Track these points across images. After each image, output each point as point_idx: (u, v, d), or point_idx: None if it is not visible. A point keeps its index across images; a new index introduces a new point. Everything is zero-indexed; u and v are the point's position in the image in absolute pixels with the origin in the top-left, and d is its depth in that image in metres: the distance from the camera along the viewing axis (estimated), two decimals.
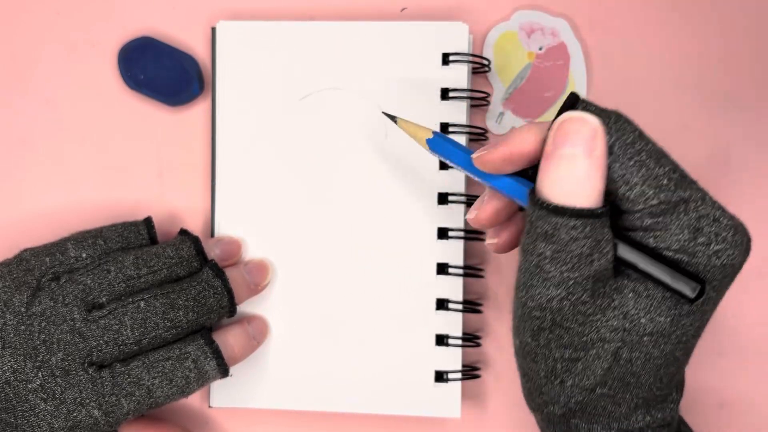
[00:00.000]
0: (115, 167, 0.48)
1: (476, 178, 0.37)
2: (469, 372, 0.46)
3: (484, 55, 0.47)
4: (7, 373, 0.38)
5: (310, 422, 0.47)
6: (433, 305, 0.45)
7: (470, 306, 0.46)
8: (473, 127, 0.45)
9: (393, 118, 0.41)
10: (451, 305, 0.45)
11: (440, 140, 0.38)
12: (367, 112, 0.46)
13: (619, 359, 0.33)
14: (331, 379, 0.46)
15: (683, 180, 0.33)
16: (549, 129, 0.33)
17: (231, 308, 0.43)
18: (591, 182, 0.32)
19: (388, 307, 0.45)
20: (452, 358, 0.45)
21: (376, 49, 0.45)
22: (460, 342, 0.45)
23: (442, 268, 0.45)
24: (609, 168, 0.32)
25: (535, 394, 0.36)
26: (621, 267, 0.34)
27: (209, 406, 0.46)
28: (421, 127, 0.39)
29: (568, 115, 0.32)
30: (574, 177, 0.32)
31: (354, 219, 0.46)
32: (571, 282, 0.32)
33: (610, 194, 0.33)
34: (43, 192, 0.48)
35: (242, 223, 0.46)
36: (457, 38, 0.45)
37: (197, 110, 0.48)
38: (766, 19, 0.47)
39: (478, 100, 0.46)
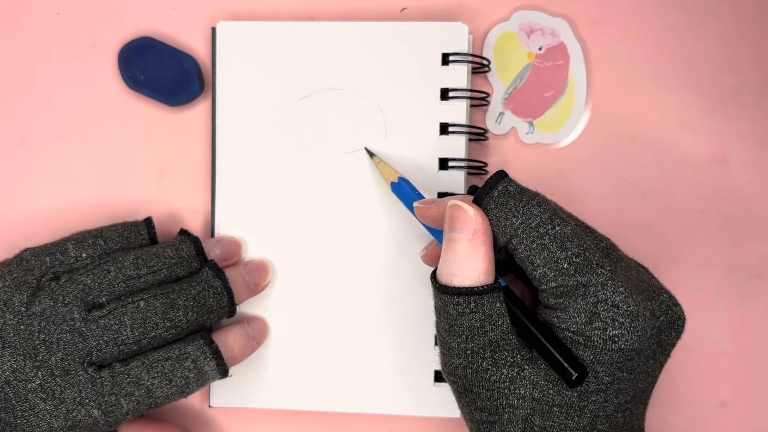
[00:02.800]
0: (115, 167, 0.48)
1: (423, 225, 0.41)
2: None
3: (484, 55, 0.47)
4: (7, 373, 0.38)
5: (310, 422, 0.47)
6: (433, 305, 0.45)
7: None
8: (473, 127, 0.45)
9: (371, 154, 0.45)
10: None
11: (402, 186, 0.42)
12: (367, 112, 0.46)
13: (532, 426, 0.35)
14: (331, 380, 0.46)
15: (585, 265, 0.34)
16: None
17: (231, 308, 0.43)
18: (472, 263, 0.35)
19: (387, 307, 0.45)
20: None
21: (376, 49, 0.45)
22: None
23: None
24: (515, 249, 0.35)
25: None
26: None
27: (209, 406, 0.46)
28: (393, 171, 0.43)
29: (452, 202, 0.36)
30: (457, 258, 0.35)
31: (354, 219, 0.46)
32: (468, 352, 0.35)
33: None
34: (44, 192, 0.48)
35: (242, 223, 0.46)
36: (457, 38, 0.45)
37: (197, 110, 0.48)
38: (766, 18, 0.47)
39: (478, 100, 0.46)
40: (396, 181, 0.42)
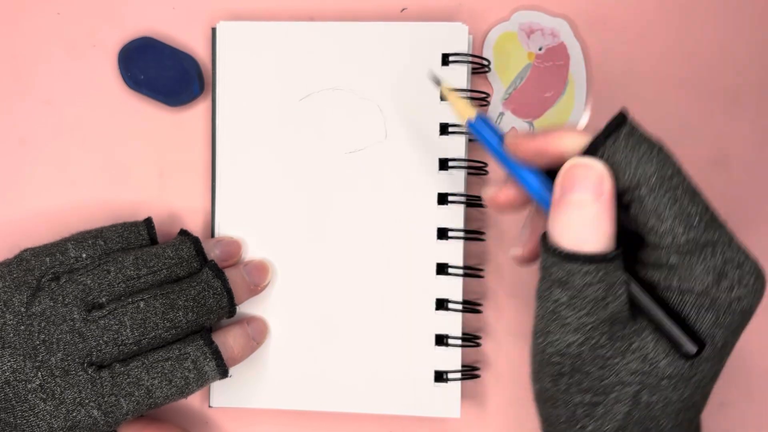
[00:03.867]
0: (116, 167, 0.48)
1: (505, 169, 0.37)
2: (469, 372, 0.46)
3: (484, 55, 0.47)
4: (7, 373, 0.38)
5: (310, 422, 0.47)
6: (433, 305, 0.45)
7: (470, 306, 0.46)
8: None
9: (438, 83, 0.41)
10: (450, 305, 0.45)
11: (481, 123, 0.38)
12: (367, 112, 0.46)
13: (639, 403, 0.33)
14: (331, 379, 0.46)
15: (713, 222, 0.33)
16: (557, 175, 0.33)
17: (230, 309, 0.43)
18: (601, 226, 0.32)
19: (387, 308, 0.45)
20: (452, 358, 0.45)
21: (376, 49, 0.45)
22: (459, 342, 0.45)
23: (442, 269, 0.45)
24: (641, 199, 0.32)
25: None
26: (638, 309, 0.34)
27: (209, 406, 0.46)
28: (468, 107, 0.38)
29: (575, 161, 0.33)
30: (584, 222, 0.32)
31: (354, 219, 0.46)
32: (588, 327, 0.33)
33: (636, 229, 0.33)
34: (44, 192, 0.48)
35: (242, 224, 0.46)
36: (457, 39, 0.45)
37: (197, 110, 0.48)
38: (766, 18, 0.47)
39: (478, 101, 0.46)
40: (473, 120, 0.38)
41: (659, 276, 0.33)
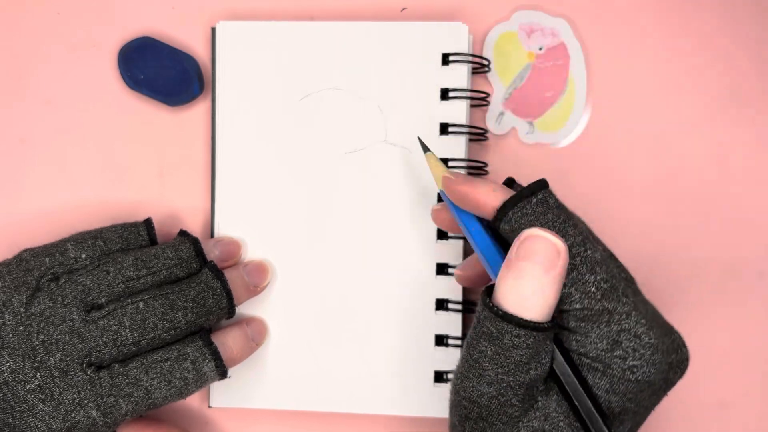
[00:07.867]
0: (115, 167, 0.48)
1: (462, 228, 0.39)
2: None
3: (484, 55, 0.47)
4: (6, 374, 0.38)
5: (309, 422, 0.47)
6: (433, 305, 0.45)
7: (470, 306, 0.46)
8: (473, 127, 0.45)
9: (425, 148, 0.43)
10: (450, 305, 0.45)
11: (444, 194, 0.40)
12: (367, 112, 0.46)
13: None
14: (331, 380, 0.46)
15: (612, 292, 0.34)
16: (516, 238, 0.34)
17: (230, 310, 0.43)
18: (545, 297, 0.33)
19: (387, 308, 0.45)
20: (452, 359, 0.45)
21: (376, 49, 0.45)
22: (459, 342, 0.45)
23: (442, 269, 0.45)
24: None
25: None
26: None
27: (209, 407, 0.46)
28: (445, 170, 0.40)
29: (536, 232, 0.34)
30: (531, 291, 0.33)
31: (353, 220, 0.46)
32: (504, 384, 0.34)
33: None
34: (43, 192, 0.48)
35: (242, 224, 0.46)
36: (457, 38, 0.45)
37: (197, 110, 0.48)
38: (765, 18, 0.47)
39: (478, 100, 0.46)
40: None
41: (563, 337, 0.35)
